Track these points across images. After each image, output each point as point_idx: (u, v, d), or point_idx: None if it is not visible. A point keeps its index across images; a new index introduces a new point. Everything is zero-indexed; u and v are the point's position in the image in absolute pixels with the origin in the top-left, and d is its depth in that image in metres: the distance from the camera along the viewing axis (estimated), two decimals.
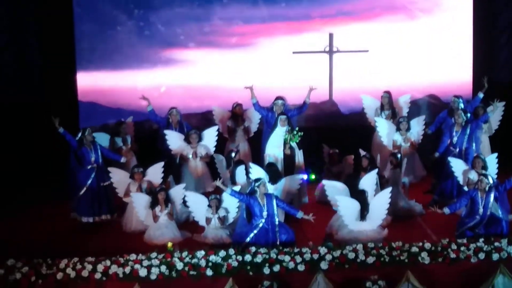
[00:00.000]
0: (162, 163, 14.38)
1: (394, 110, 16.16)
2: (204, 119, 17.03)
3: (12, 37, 16.81)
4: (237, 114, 16.07)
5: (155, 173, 14.28)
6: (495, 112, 15.63)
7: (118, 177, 14.27)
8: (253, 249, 12.18)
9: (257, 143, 15.73)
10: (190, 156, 15.26)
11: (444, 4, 17.44)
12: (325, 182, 13.65)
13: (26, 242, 13.43)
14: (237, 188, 13.38)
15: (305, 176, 14.70)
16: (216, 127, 15.59)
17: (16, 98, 16.78)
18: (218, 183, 12.89)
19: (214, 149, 15.42)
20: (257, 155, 15.53)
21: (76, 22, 16.98)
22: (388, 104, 16.15)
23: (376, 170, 13.81)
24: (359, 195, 13.13)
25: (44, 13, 16.71)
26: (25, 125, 16.67)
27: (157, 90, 17.16)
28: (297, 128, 14.76)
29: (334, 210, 13.36)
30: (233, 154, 14.76)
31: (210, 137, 15.43)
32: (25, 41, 16.87)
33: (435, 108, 17.38)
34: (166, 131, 15.39)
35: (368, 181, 13.60)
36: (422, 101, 17.58)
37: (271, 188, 13.35)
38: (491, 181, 13.01)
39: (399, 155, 14.65)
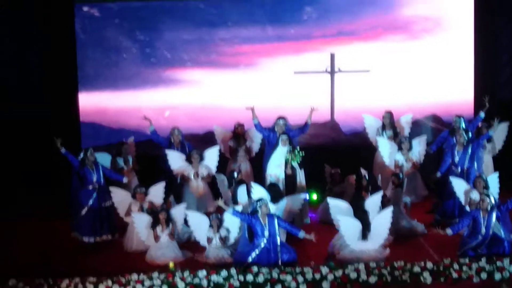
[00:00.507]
0: (163, 183, 14.39)
1: (395, 129, 16.18)
2: (206, 139, 17.00)
3: (16, 55, 16.83)
4: (238, 134, 16.10)
5: (156, 193, 14.27)
6: (499, 132, 15.67)
7: (120, 197, 14.25)
8: (255, 268, 12.16)
9: (259, 163, 15.73)
10: (192, 176, 15.27)
11: (445, 23, 17.49)
12: (329, 200, 13.62)
13: (27, 261, 13.39)
14: (238, 208, 13.37)
15: (306, 196, 14.71)
16: (217, 147, 15.62)
17: (19, 116, 16.78)
18: (220, 202, 12.90)
19: (215, 169, 15.43)
20: (258, 175, 15.51)
21: (79, 43, 17.04)
22: (389, 124, 16.17)
23: (381, 192, 13.81)
24: (361, 215, 13.12)
25: (48, 32, 16.74)
26: (27, 143, 16.67)
27: (159, 110, 17.16)
28: (298, 148, 14.79)
29: (336, 230, 13.35)
30: (235, 174, 14.75)
31: (211, 157, 15.44)
32: (29, 59, 16.90)
33: (436, 128, 17.38)
34: (167, 151, 15.40)
35: (373, 202, 13.60)
36: (423, 121, 17.57)
37: (272, 208, 13.34)
38: (493, 201, 12.99)
39: (400, 175, 14.65)
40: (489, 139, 15.62)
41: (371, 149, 16.33)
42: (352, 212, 13.27)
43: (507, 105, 17.14)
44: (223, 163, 15.87)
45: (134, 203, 14.08)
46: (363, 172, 14.59)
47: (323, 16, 17.27)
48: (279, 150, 14.76)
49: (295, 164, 14.73)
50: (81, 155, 14.46)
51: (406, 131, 16.32)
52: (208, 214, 13.75)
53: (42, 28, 16.77)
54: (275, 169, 14.76)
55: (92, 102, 17.20)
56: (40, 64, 16.91)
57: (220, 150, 15.63)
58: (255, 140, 16.15)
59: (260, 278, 11.98)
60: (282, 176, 14.69)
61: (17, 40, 16.81)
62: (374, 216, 13.23)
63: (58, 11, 16.77)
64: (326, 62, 17.47)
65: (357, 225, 13.01)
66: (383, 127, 16.21)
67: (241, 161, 15.91)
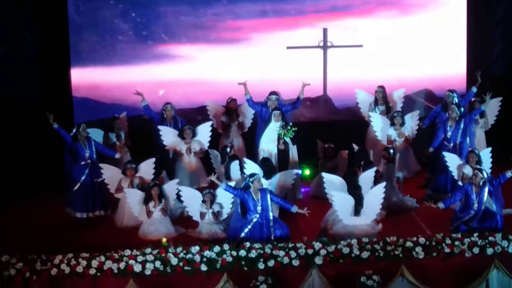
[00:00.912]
0: (153, 159, 14.38)
1: (388, 104, 16.19)
2: (199, 114, 16.97)
3: (7, 32, 16.74)
4: (231, 109, 16.09)
5: (147, 169, 14.28)
6: (491, 107, 15.69)
7: (110, 173, 14.26)
8: (247, 244, 12.18)
9: (251, 138, 15.73)
10: (184, 151, 15.27)
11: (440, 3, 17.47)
12: (324, 175, 13.63)
13: (20, 237, 13.43)
14: (231, 183, 13.38)
15: (299, 171, 14.73)
16: (210, 122, 15.63)
17: (11, 93, 16.74)
18: (213, 178, 12.89)
19: (208, 144, 15.44)
20: (251, 150, 15.53)
21: (72, 22, 16.93)
22: (382, 99, 16.18)
23: (374, 168, 13.84)
24: (354, 190, 13.15)
25: (39, 9, 16.64)
26: (18, 120, 16.62)
27: (153, 86, 17.08)
28: (291, 123, 14.80)
29: (328, 205, 13.37)
30: (228, 149, 14.78)
31: (204, 132, 15.45)
32: (20, 36, 16.80)
33: (429, 103, 17.39)
34: (159, 127, 15.41)
35: (367, 178, 13.64)
36: (416, 95, 17.57)
37: (265, 183, 13.35)
38: (485, 176, 13.03)
39: (391, 150, 14.66)
40: (482, 114, 15.63)
41: (364, 124, 16.33)
42: (346, 187, 13.30)
43: (500, 80, 17.15)
44: (216, 139, 15.86)
45: (124, 179, 14.09)
46: (355, 147, 14.63)
47: None
48: (272, 125, 14.78)
49: (287, 139, 14.76)
50: (74, 130, 14.45)
51: (399, 106, 16.32)
52: (201, 189, 13.74)
53: (34, 7, 16.62)
54: (268, 144, 14.79)
55: (85, 78, 17.12)
56: (33, 41, 16.78)
57: (212, 125, 15.61)
58: (248, 116, 16.14)
59: (253, 254, 12.01)
60: (274, 151, 14.74)
61: (9, 19, 16.68)
62: (367, 191, 13.27)
63: None
64: (319, 37, 17.39)
65: (350, 200, 13.04)
66: (376, 102, 16.22)
67: (234, 137, 15.94)
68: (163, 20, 17.17)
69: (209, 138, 15.46)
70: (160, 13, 17.14)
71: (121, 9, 17.06)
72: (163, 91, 17.02)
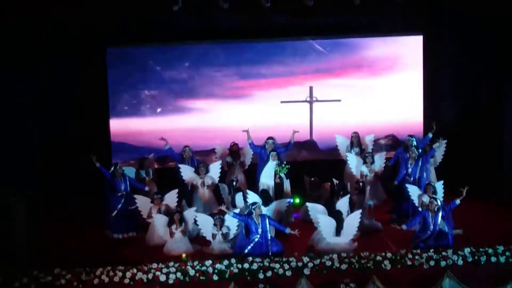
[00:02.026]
0: (176, 190, 14.37)
1: (361, 147, 16.17)
2: (212, 154, 16.94)
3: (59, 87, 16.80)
4: (234, 151, 16.05)
5: (171, 198, 14.25)
6: (439, 148, 15.70)
7: (142, 202, 14.24)
8: (250, 258, 12.18)
9: (251, 174, 15.72)
10: (199, 184, 15.25)
11: (400, 63, 17.44)
12: (308, 204, 13.63)
13: (69, 254, 13.40)
14: (237, 210, 13.39)
15: (291, 200, 14.73)
16: (219, 162, 15.54)
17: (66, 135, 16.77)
18: (223, 207, 12.93)
19: (218, 179, 15.39)
20: (251, 184, 15.49)
21: (110, 79, 17.04)
22: (357, 142, 16.16)
23: (348, 196, 13.83)
24: (336, 215, 13.13)
25: (84, 69, 16.72)
26: (72, 159, 16.54)
27: (174, 132, 17.08)
28: (285, 162, 14.82)
29: (315, 227, 13.36)
30: (233, 183, 14.78)
31: (215, 169, 15.38)
32: (71, 92, 16.81)
33: (393, 145, 17.41)
34: (180, 165, 15.37)
35: (342, 204, 13.65)
36: (383, 139, 17.59)
37: (264, 210, 13.35)
38: (439, 203, 13.04)
39: (361, 184, 14.63)
40: (432, 155, 15.62)
41: (342, 162, 16.31)
42: (327, 213, 13.28)
43: (449, 125, 17.07)
44: (224, 175, 15.84)
45: (154, 207, 14.06)
46: (335, 181, 14.63)
47: (304, 58, 17.24)
48: (270, 163, 14.79)
49: (282, 175, 14.76)
50: (112, 168, 14.51)
51: (369, 148, 16.31)
52: (212, 215, 13.75)
53: (82, 68, 16.68)
54: (267, 179, 14.78)
55: (121, 126, 17.17)
56: (81, 95, 16.81)
57: (221, 164, 15.60)
58: (247, 156, 16.08)
59: (255, 266, 12.01)
60: (272, 184, 14.71)
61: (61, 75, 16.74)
62: (345, 215, 13.24)
63: (91, 53, 16.68)
64: (306, 93, 17.41)
65: (332, 223, 13.03)
66: (351, 144, 16.19)
67: (237, 173, 15.86)
68: (182, 79, 17.19)
69: (219, 174, 15.42)
70: (181, 74, 17.16)
71: (154, 69, 17.14)
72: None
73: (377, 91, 17.52)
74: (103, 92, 16.95)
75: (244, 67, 17.22)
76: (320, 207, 13.51)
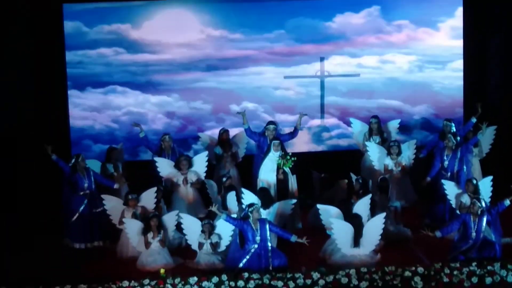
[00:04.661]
0: (154, 189, 14.30)
1: (382, 135, 16.17)
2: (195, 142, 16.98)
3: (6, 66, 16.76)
4: (224, 140, 15.98)
5: (148, 198, 14.18)
6: (486, 136, 15.69)
7: (112, 204, 14.16)
8: (246, 274, 12.14)
9: (247, 168, 15.71)
10: (181, 182, 15.15)
11: (436, 33, 17.56)
12: (319, 206, 13.61)
13: (17, 269, 13.29)
14: (233, 215, 13.38)
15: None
16: (206, 153, 15.42)
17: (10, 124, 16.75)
18: (213, 208, 12.91)
19: (204, 174, 15.32)
20: (247, 181, 15.47)
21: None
22: (377, 129, 16.14)
23: (369, 195, 13.79)
24: (354, 220, 13.13)
25: (38, 45, 16.72)
26: (20, 150, 16.54)
27: (149, 115, 17.08)
28: (290, 153, 14.74)
29: (327, 236, 13.35)
30: (223, 179, 14.72)
31: (200, 163, 15.27)
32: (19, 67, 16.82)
33: (426, 132, 17.43)
34: (155, 158, 15.29)
35: (362, 206, 13.57)
36: (413, 124, 17.61)
37: (263, 213, 13.31)
38: (483, 205, 13.00)
39: (384, 180, 14.59)
40: (476, 143, 15.61)
41: (358, 154, 16.30)
42: (342, 217, 13.27)
43: (495, 110, 17.14)
44: (211, 170, 15.73)
45: (127, 210, 13.94)
46: (353, 176, 14.58)
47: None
48: (271, 155, 14.69)
49: (287, 170, 14.69)
50: (72, 161, 14.45)
51: (393, 136, 16.29)
52: (201, 219, 13.71)
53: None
54: (267, 174, 14.67)
55: (82, 108, 17.16)
56: (31, 69, 16.78)
57: (208, 156, 15.49)
58: (241, 146, 16.05)
59: (251, 284, 11.97)
60: (273, 181, 14.62)
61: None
62: (364, 220, 13.24)
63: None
64: (316, 66, 17.45)
65: (349, 229, 13.02)
66: (370, 132, 16.16)
67: (229, 167, 15.79)
68: (167, 50, 17.29)
69: (206, 169, 15.33)
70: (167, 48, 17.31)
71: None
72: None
73: (405, 65, 17.58)
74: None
75: (244, 35, 17.20)
76: (333, 210, 13.49)
